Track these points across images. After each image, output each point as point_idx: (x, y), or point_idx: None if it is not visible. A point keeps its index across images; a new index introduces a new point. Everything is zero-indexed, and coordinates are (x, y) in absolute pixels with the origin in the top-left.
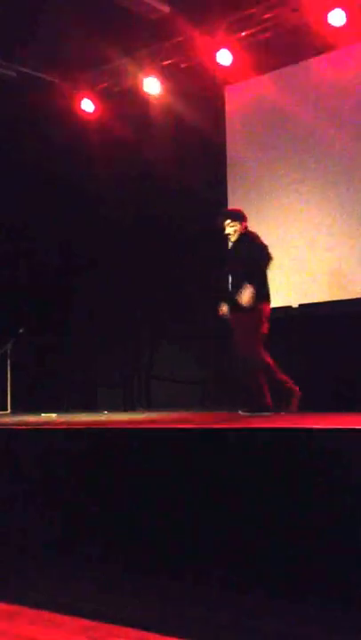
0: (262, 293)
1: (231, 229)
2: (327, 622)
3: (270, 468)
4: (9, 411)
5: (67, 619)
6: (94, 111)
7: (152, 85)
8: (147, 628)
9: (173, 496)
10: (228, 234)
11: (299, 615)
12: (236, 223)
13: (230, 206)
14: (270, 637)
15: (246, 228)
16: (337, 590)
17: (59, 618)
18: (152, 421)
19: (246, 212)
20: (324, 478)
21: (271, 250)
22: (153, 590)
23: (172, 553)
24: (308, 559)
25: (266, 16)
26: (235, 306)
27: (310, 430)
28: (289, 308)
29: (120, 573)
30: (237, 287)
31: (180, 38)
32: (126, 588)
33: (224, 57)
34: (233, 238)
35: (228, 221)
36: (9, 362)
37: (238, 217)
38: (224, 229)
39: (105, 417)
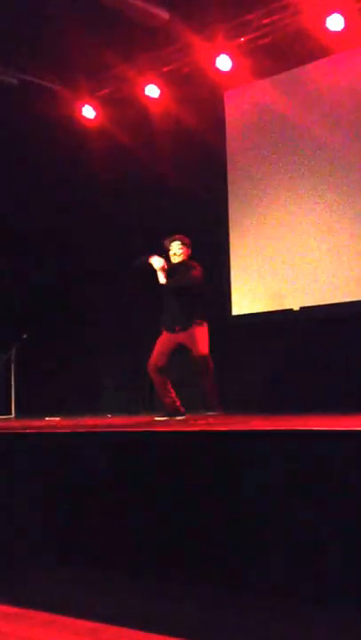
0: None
1: (180, 251)
2: (327, 622)
3: (271, 469)
4: (13, 415)
5: (72, 621)
6: (95, 118)
7: (152, 91)
8: (152, 630)
9: (174, 497)
10: (175, 253)
11: (299, 615)
12: (186, 249)
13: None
14: (270, 637)
15: (189, 255)
16: (338, 591)
17: (63, 620)
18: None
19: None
20: (325, 480)
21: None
22: (156, 591)
23: (174, 554)
24: (308, 559)
25: (265, 21)
26: (191, 321)
27: (313, 432)
28: (290, 310)
29: (124, 575)
30: (187, 303)
31: (179, 44)
32: (130, 590)
33: (223, 62)
34: (176, 259)
35: (180, 244)
36: (13, 366)
37: (189, 245)
38: (170, 250)
39: (109, 420)
